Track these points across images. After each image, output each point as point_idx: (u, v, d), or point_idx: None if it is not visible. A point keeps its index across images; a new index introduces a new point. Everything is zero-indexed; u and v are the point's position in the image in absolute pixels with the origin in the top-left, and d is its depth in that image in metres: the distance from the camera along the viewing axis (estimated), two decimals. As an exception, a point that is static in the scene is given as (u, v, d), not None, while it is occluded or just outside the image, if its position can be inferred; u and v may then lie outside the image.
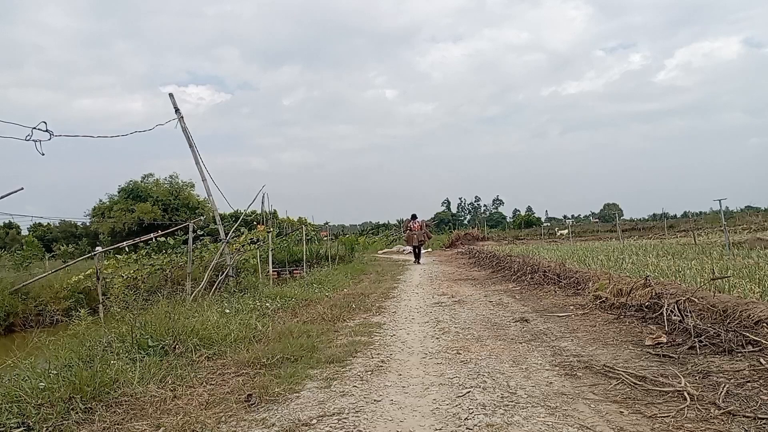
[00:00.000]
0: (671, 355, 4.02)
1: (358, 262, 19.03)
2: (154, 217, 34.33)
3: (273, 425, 3.08)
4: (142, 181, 39.14)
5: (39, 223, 42.58)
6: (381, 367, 4.31)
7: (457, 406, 3.24)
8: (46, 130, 5.72)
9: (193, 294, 8.34)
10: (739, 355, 3.77)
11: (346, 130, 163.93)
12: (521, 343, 4.93)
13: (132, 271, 11.31)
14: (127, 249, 11.62)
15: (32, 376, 3.72)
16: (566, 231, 34.67)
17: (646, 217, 60.99)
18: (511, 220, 78.71)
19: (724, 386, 3.14)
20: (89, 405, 3.35)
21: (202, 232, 13.74)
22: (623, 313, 5.70)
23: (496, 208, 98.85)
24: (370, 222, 76.14)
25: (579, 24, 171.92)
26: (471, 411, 3.12)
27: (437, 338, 5.37)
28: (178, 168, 55.97)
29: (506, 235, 41.98)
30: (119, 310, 6.19)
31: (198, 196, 38.43)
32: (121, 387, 3.62)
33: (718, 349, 3.95)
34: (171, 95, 10.49)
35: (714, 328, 4.21)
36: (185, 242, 11.70)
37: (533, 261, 11.11)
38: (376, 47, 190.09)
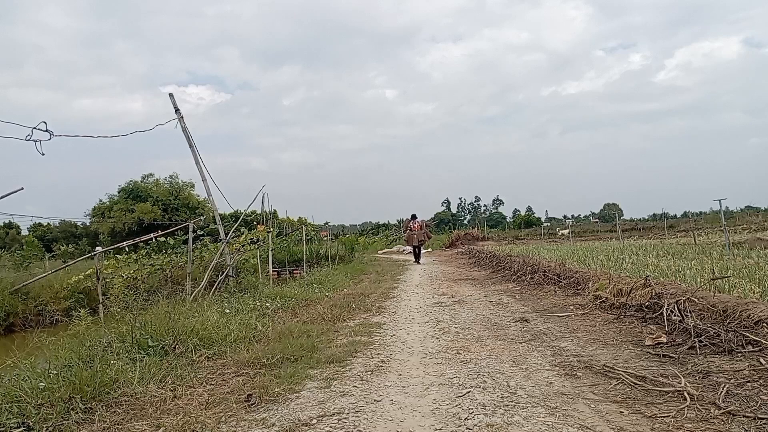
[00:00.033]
0: (671, 355, 4.02)
1: (358, 262, 19.03)
2: (154, 217, 34.33)
3: (273, 425, 3.08)
4: (142, 181, 39.15)
5: (39, 223, 42.62)
6: (381, 367, 4.31)
7: (457, 406, 3.24)
8: (46, 130, 5.72)
9: (193, 294, 8.34)
10: (739, 355, 3.77)
11: (346, 130, 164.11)
12: (521, 343, 4.93)
13: (132, 271, 11.31)
14: (127, 249, 11.62)
15: (32, 376, 3.72)
16: (567, 231, 34.69)
17: (646, 217, 61.02)
18: (511, 220, 78.71)
19: (724, 386, 3.14)
20: (89, 405, 3.35)
21: (202, 232, 13.74)
22: (623, 313, 5.70)
23: (496, 208, 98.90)
24: (370, 222, 76.19)
25: (579, 24, 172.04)
26: (471, 411, 3.12)
27: (437, 338, 5.37)
28: (178, 168, 56.02)
29: (506, 235, 41.98)
30: (119, 310, 6.19)
31: (198, 196, 38.46)
32: (121, 387, 3.62)
33: (718, 349, 3.95)
34: (171, 95, 10.51)
35: (714, 328, 4.21)
36: (185, 242, 11.70)
37: (533, 261, 11.11)
38: (376, 47, 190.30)
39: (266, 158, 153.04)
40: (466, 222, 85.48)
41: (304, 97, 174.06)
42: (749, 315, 4.15)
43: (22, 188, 5.95)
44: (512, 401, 3.26)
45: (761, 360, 3.51)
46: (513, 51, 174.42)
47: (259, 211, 17.49)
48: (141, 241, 11.69)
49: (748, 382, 3.23)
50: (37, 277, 12.31)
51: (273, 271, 12.18)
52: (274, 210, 24.36)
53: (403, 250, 27.74)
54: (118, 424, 3.15)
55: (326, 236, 24.95)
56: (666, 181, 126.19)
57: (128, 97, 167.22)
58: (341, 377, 4.03)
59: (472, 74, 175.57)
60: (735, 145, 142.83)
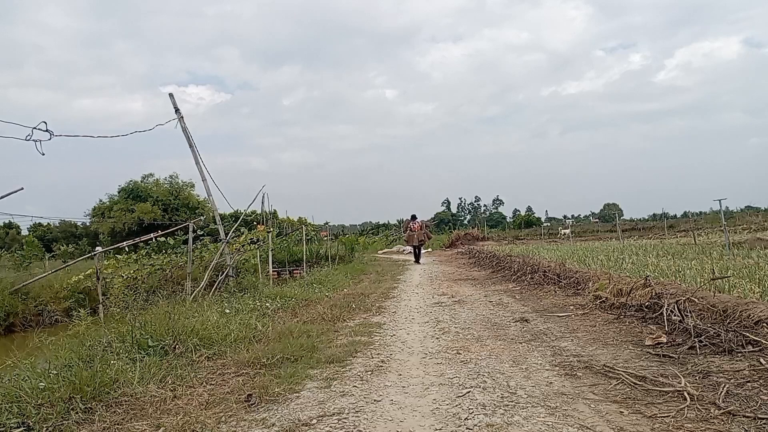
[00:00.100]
0: (671, 355, 4.02)
1: (358, 262, 19.02)
2: (154, 217, 34.33)
3: (273, 425, 3.08)
4: (142, 181, 39.15)
5: (39, 223, 42.61)
6: (381, 367, 4.31)
7: (457, 406, 3.24)
8: (46, 130, 5.72)
9: (193, 294, 8.34)
10: (739, 355, 3.77)
11: (346, 130, 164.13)
12: (521, 343, 4.93)
13: (132, 271, 11.30)
14: (127, 249, 11.62)
15: (32, 376, 3.72)
16: (568, 230, 34.70)
17: (646, 217, 61.06)
18: (511, 220, 78.72)
19: (724, 386, 3.14)
20: (89, 405, 3.35)
21: (202, 232, 13.73)
22: (623, 313, 5.70)
23: (496, 208, 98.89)
24: (370, 222, 76.17)
25: (579, 24, 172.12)
26: (471, 411, 3.12)
27: (437, 338, 5.37)
28: (178, 168, 56.02)
29: (506, 235, 41.98)
30: (119, 310, 6.19)
31: (198, 196, 38.47)
32: (121, 387, 3.62)
33: (718, 349, 3.95)
34: (171, 95, 10.49)
35: (714, 328, 4.21)
36: (185, 242, 11.70)
37: (533, 261, 11.11)
38: (376, 47, 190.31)
39: (266, 158, 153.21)
40: (466, 222, 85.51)
41: (304, 97, 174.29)
42: (749, 315, 4.15)
43: (22, 188, 5.95)
44: (512, 401, 3.26)
45: (761, 360, 3.51)
46: (513, 51, 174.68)
47: (259, 211, 17.49)
48: (141, 241, 11.69)
49: (748, 382, 3.23)
50: (37, 277, 12.31)
51: (273, 271, 12.18)
52: (274, 210, 24.37)
53: (403, 250, 27.75)
54: (118, 424, 3.15)
55: (326, 236, 24.93)
56: (666, 181, 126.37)
57: (128, 97, 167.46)
58: (341, 377, 4.03)
59: (472, 74, 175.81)
60: (735, 145, 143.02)
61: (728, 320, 4.28)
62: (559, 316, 6.17)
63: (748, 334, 3.93)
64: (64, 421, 3.13)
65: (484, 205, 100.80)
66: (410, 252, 21.21)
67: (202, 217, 19.31)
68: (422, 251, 20.23)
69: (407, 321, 6.58)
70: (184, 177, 39.37)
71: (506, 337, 5.21)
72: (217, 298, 8.35)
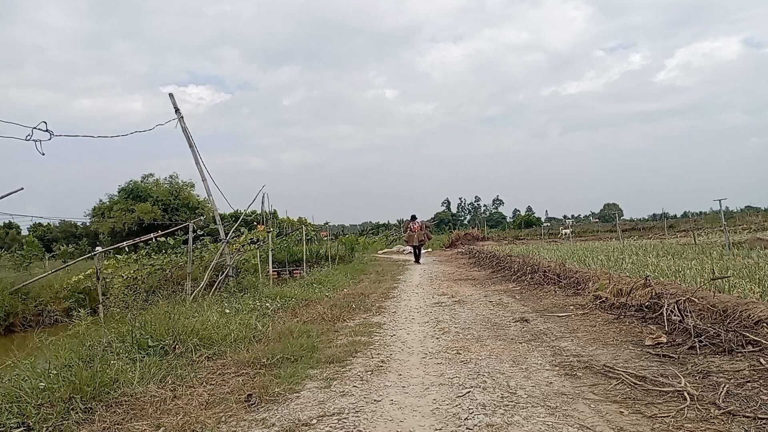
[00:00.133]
0: (671, 355, 4.01)
1: (358, 262, 19.02)
2: (154, 217, 34.35)
3: (273, 425, 3.08)
4: (142, 181, 39.18)
5: (39, 223, 42.64)
6: (381, 367, 4.31)
7: (457, 406, 3.24)
8: (46, 130, 5.73)
9: (193, 294, 8.34)
10: (739, 355, 3.77)
11: (346, 130, 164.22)
12: (521, 343, 4.93)
13: (132, 271, 11.31)
14: (127, 249, 11.63)
15: (32, 376, 3.72)
16: (569, 230, 34.70)
17: (646, 217, 61.10)
18: (511, 220, 78.74)
19: (724, 386, 3.14)
20: (89, 405, 3.35)
21: (202, 232, 13.73)
22: (623, 313, 5.70)
23: (496, 208, 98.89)
24: (370, 222, 76.16)
25: (579, 24, 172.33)
26: (471, 411, 3.12)
27: (437, 338, 5.37)
28: (178, 168, 56.12)
29: (506, 235, 41.97)
30: (119, 310, 6.19)
31: (198, 196, 38.51)
32: (121, 387, 3.62)
33: (718, 349, 3.95)
34: (171, 95, 10.49)
35: (714, 328, 4.21)
36: (185, 242, 11.70)
37: (533, 261, 11.11)
38: (376, 47, 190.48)
39: (266, 158, 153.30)
40: (466, 222, 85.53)
41: (304, 97, 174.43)
42: (749, 315, 4.15)
43: (22, 188, 5.97)
44: (512, 401, 3.26)
45: (761, 360, 3.51)
46: (513, 51, 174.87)
47: (259, 211, 17.48)
48: (141, 241, 11.70)
49: (748, 382, 3.23)
50: (37, 277, 12.31)
51: (273, 271, 12.18)
52: (274, 210, 24.39)
53: (403, 250, 27.74)
54: (118, 424, 3.15)
55: (326, 236, 24.93)
56: (666, 181, 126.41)
57: (128, 97, 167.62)
58: (341, 377, 4.03)
59: (472, 74, 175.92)
60: (735, 145, 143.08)
61: (728, 320, 4.27)
62: (559, 316, 6.17)
63: (748, 334, 3.93)
64: (64, 421, 3.13)
65: (484, 205, 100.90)
66: (410, 252, 21.21)
67: (202, 217, 19.33)
68: (422, 251, 20.23)
69: (407, 321, 6.58)
70: (184, 177, 39.49)
71: (506, 337, 5.21)
72: (217, 298, 8.35)
